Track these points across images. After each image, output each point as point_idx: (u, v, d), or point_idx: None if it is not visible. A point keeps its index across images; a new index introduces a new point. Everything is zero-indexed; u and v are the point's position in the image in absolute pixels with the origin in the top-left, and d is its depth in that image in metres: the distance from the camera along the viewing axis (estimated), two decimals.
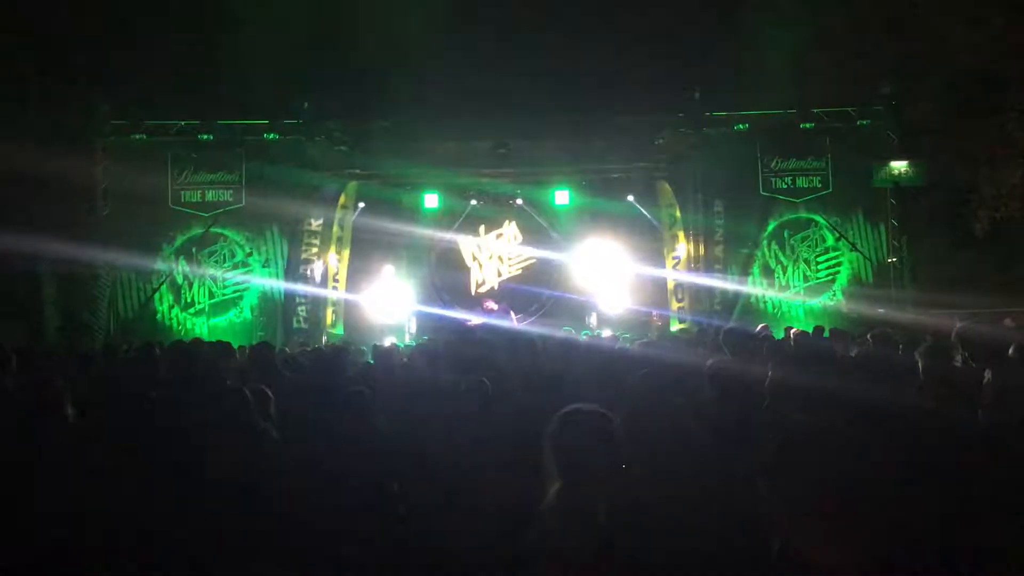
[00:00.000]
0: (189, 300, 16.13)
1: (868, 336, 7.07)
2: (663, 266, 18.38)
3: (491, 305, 17.57)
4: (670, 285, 18.00)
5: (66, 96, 15.33)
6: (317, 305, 16.82)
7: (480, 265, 19.87)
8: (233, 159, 16.16)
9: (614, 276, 18.96)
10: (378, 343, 12.46)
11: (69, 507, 3.59)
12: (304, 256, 16.62)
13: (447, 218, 19.32)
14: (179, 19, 16.64)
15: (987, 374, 4.64)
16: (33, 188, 14.08)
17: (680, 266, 17.68)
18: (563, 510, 2.86)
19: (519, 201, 19.07)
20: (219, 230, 16.21)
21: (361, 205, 18.46)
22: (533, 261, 19.75)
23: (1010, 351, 5.60)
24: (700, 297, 16.87)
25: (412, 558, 4.27)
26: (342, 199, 17.98)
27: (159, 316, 16.04)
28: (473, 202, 19.01)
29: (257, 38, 15.40)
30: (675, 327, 16.64)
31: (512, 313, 17.62)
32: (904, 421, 3.83)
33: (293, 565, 4.08)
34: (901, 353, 6.32)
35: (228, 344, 8.02)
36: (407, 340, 16.79)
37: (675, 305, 17.76)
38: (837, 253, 16.68)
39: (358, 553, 4.27)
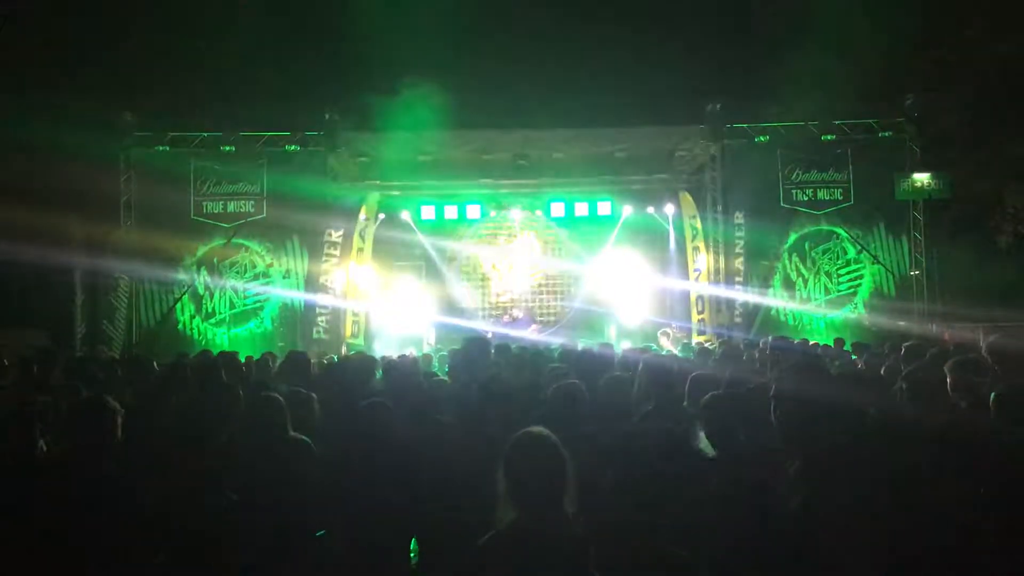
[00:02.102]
0: (210, 310, 16.21)
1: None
2: (684, 277, 18.32)
3: (517, 313, 17.66)
4: (692, 297, 17.91)
5: (91, 107, 15.48)
6: (337, 316, 16.85)
7: (499, 276, 19.88)
8: (254, 170, 16.24)
9: (633, 287, 18.91)
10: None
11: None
12: (324, 267, 16.66)
13: (467, 229, 19.36)
14: (202, 31, 16.81)
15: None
16: (58, 199, 14.22)
17: (701, 278, 17.61)
18: (516, 538, 2.80)
19: (538, 212, 19.08)
20: (240, 241, 16.30)
21: (381, 216, 18.54)
22: (552, 272, 19.75)
23: None
24: (720, 309, 16.79)
25: None
26: (363, 210, 18.04)
27: (180, 326, 16.11)
28: (493, 213, 19.04)
29: (280, 50, 15.53)
30: (696, 339, 16.54)
31: (533, 323, 17.66)
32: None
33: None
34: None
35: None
36: (426, 350, 16.77)
37: (696, 317, 17.67)
38: (859, 266, 16.56)
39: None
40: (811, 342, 12.59)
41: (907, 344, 6.84)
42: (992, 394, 4.00)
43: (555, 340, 15.58)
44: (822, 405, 3.63)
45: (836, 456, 3.41)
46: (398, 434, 4.73)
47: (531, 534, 2.79)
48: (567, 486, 2.88)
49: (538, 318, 19.05)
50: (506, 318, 18.30)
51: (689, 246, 18.24)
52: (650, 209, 18.77)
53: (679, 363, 7.24)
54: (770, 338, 10.12)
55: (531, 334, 17.01)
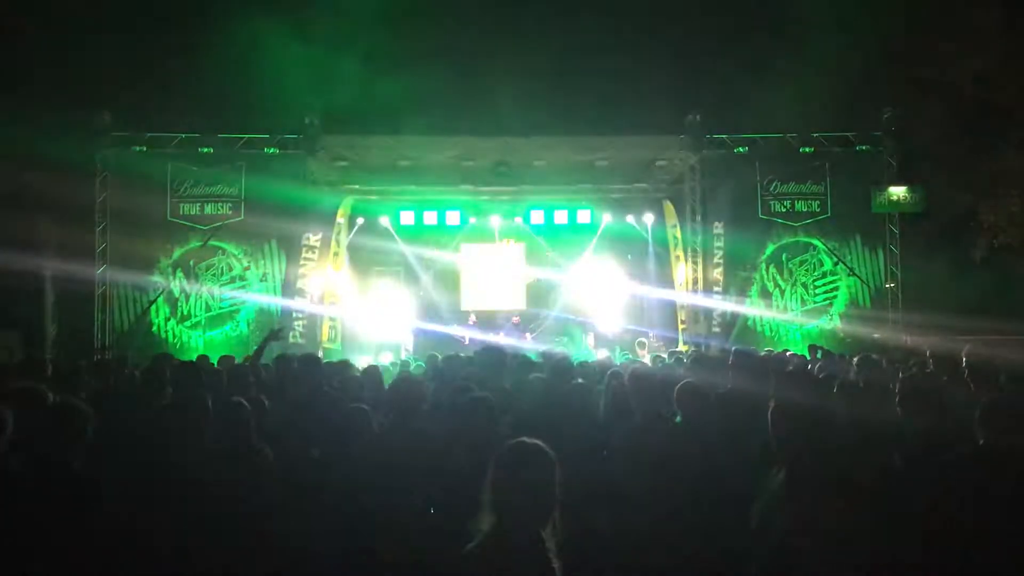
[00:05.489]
0: (185, 313, 16.04)
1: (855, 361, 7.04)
2: (662, 286, 18.38)
3: (516, 319, 17.73)
4: (678, 305, 17.91)
5: (67, 106, 15.32)
6: (314, 320, 16.74)
7: (477, 283, 19.85)
8: (233, 172, 16.09)
9: (612, 296, 18.95)
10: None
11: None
12: (302, 271, 16.55)
13: (446, 236, 19.32)
14: (182, 32, 16.70)
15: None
16: (33, 199, 14.07)
17: (681, 287, 17.67)
18: (496, 543, 2.68)
19: (518, 219, 19.08)
20: (217, 243, 16.15)
21: (360, 221, 18.47)
22: (531, 280, 19.75)
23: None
24: (698, 318, 16.84)
25: None
26: (340, 214, 17.95)
27: (155, 328, 15.93)
28: (472, 220, 19.01)
29: (260, 52, 15.45)
30: (681, 348, 16.59)
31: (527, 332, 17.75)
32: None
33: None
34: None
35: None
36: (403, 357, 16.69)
37: (681, 326, 17.69)
38: (835, 277, 16.67)
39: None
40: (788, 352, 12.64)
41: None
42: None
43: (535, 347, 15.58)
44: (818, 416, 3.61)
45: (828, 468, 3.38)
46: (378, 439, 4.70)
47: (506, 549, 2.66)
48: (555, 503, 2.74)
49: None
50: (513, 322, 18.19)
51: (672, 255, 18.31)
52: (629, 218, 18.84)
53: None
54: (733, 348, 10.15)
55: (509, 340, 16.96)
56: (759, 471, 3.75)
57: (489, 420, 4.51)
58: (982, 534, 3.31)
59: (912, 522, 3.37)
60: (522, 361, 7.74)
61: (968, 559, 3.28)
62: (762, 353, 9.92)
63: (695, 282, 16.83)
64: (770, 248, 16.63)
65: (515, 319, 18.09)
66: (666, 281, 18.39)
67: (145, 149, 16.06)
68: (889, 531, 3.28)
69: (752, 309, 16.47)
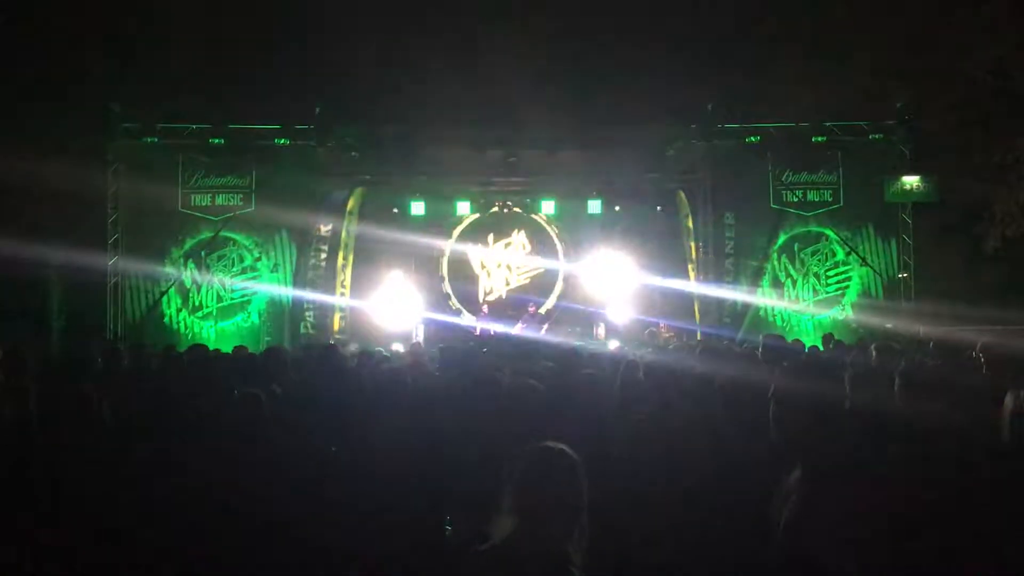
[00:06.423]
0: (197, 304, 16.08)
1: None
2: (673, 276, 18.28)
3: (532, 308, 17.71)
4: (695, 294, 17.81)
5: (79, 98, 15.36)
6: (325, 311, 16.77)
7: (488, 273, 19.82)
8: (244, 163, 16.12)
9: (623, 286, 18.88)
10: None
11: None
12: (313, 262, 16.56)
13: (456, 226, 19.30)
14: (193, 23, 16.70)
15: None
16: (44, 190, 14.11)
17: (693, 277, 17.59)
18: (516, 549, 2.62)
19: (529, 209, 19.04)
20: (228, 234, 16.18)
21: (370, 212, 18.46)
22: (541, 271, 19.70)
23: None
24: (709, 309, 16.80)
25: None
26: (349, 205, 17.94)
27: (167, 319, 15.99)
28: (483, 210, 18.98)
29: (271, 43, 15.45)
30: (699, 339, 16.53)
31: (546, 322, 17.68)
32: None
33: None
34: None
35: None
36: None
37: (698, 316, 17.60)
38: (847, 268, 16.60)
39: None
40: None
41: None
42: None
43: (548, 337, 15.59)
44: (828, 408, 3.56)
45: (843, 465, 3.33)
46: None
47: (526, 557, 2.59)
48: (582, 511, 2.67)
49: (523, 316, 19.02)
50: (530, 311, 18.14)
51: (684, 245, 18.23)
52: (641, 208, 18.76)
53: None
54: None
55: (518, 330, 16.95)
56: (775, 467, 3.70)
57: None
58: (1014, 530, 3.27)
59: (934, 519, 3.33)
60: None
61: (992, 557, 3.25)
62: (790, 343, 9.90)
63: (706, 272, 16.77)
64: (782, 238, 16.57)
65: (532, 308, 17.99)
66: (679, 271, 18.30)
67: (156, 140, 16.08)
68: (909, 529, 3.25)
69: (764, 299, 16.42)
